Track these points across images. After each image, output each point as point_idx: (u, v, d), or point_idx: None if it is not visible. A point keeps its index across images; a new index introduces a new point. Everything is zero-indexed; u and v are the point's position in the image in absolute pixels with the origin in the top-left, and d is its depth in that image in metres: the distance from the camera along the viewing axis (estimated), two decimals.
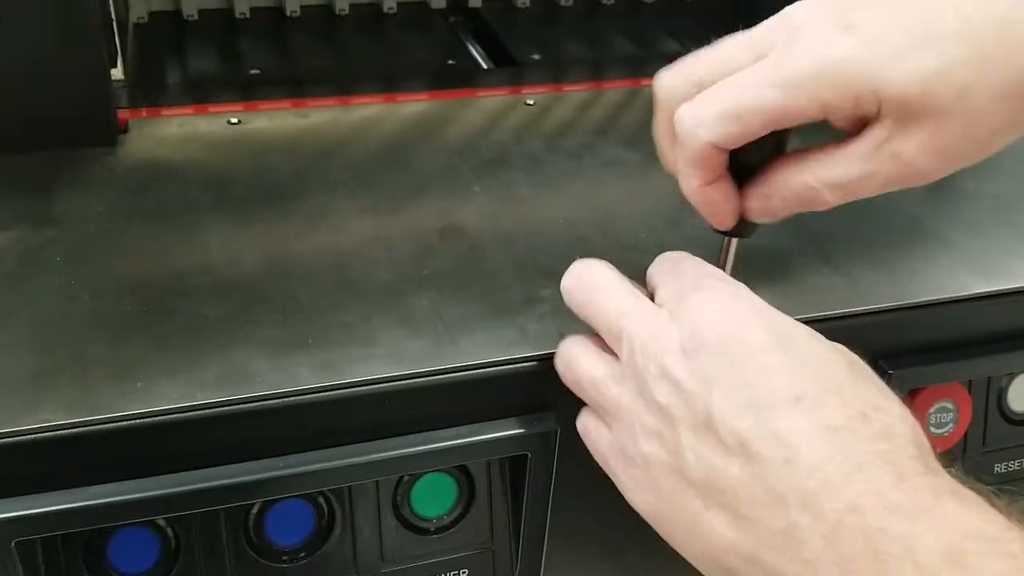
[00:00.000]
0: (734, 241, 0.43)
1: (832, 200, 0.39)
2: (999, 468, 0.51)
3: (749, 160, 0.40)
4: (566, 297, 0.40)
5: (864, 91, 0.36)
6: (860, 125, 0.38)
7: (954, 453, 0.50)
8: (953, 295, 0.46)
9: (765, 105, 0.37)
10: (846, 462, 0.31)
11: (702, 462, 0.34)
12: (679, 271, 0.39)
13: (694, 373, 0.35)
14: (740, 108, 0.37)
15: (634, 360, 0.37)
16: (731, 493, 0.33)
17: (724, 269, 0.43)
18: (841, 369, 0.35)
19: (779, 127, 0.38)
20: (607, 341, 0.39)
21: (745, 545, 0.33)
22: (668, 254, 0.41)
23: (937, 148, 0.37)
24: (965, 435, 0.50)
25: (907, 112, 0.36)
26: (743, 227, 0.42)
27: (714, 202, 0.41)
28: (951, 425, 0.49)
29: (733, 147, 0.39)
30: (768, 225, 0.50)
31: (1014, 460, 0.51)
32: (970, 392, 0.49)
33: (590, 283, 0.39)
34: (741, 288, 0.38)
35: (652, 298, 0.39)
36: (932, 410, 0.48)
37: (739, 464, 0.33)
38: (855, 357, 0.37)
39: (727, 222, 0.41)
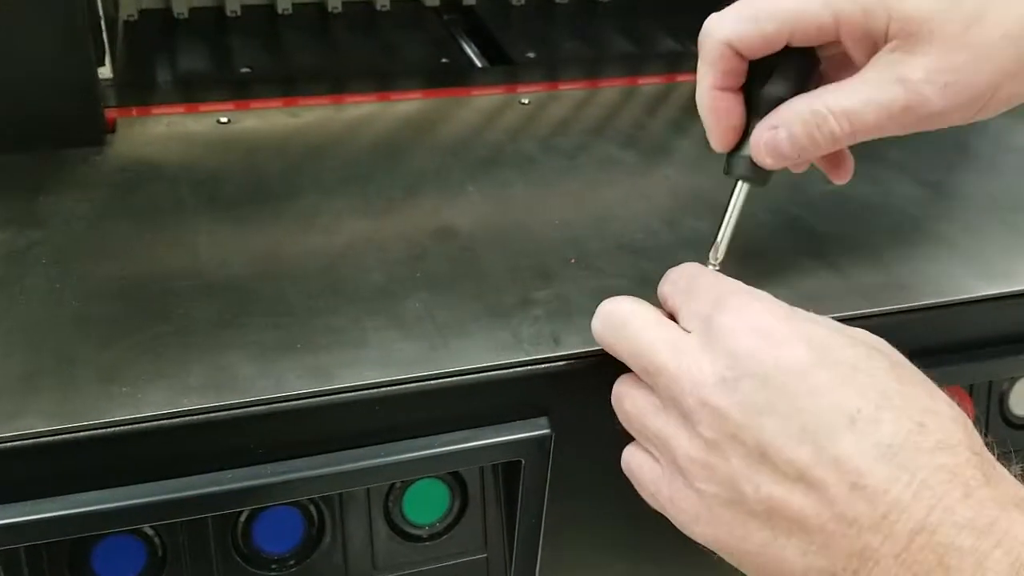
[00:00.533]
0: (743, 190, 0.42)
1: (839, 131, 0.39)
2: None
3: (771, 92, 0.40)
4: (596, 338, 0.40)
5: (876, 5, 0.37)
6: (871, 53, 0.39)
7: None
8: (954, 297, 0.46)
9: (781, 5, 0.38)
10: (912, 481, 0.31)
11: (761, 493, 0.33)
12: (696, 289, 0.38)
13: (739, 405, 0.34)
14: (757, 8, 0.39)
15: (670, 393, 0.36)
16: (799, 521, 0.33)
17: (729, 219, 0.42)
18: (887, 374, 0.34)
19: (794, 37, 0.39)
20: (642, 377, 0.38)
21: (819, 569, 0.33)
22: (680, 269, 0.40)
23: (944, 77, 0.37)
24: None
25: (914, 34, 0.37)
26: (753, 170, 0.42)
27: (720, 110, 0.41)
28: None
29: (749, 52, 0.39)
30: (768, 223, 0.49)
31: (1016, 464, 0.51)
32: (971, 396, 0.48)
33: (617, 320, 0.39)
34: (764, 298, 0.37)
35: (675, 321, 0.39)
36: None
37: (802, 492, 0.33)
38: (891, 350, 0.36)
39: (727, 139, 0.41)
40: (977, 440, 0.34)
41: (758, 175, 0.42)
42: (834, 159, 0.45)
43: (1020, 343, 0.47)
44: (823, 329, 0.35)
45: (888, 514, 0.31)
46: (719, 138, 0.42)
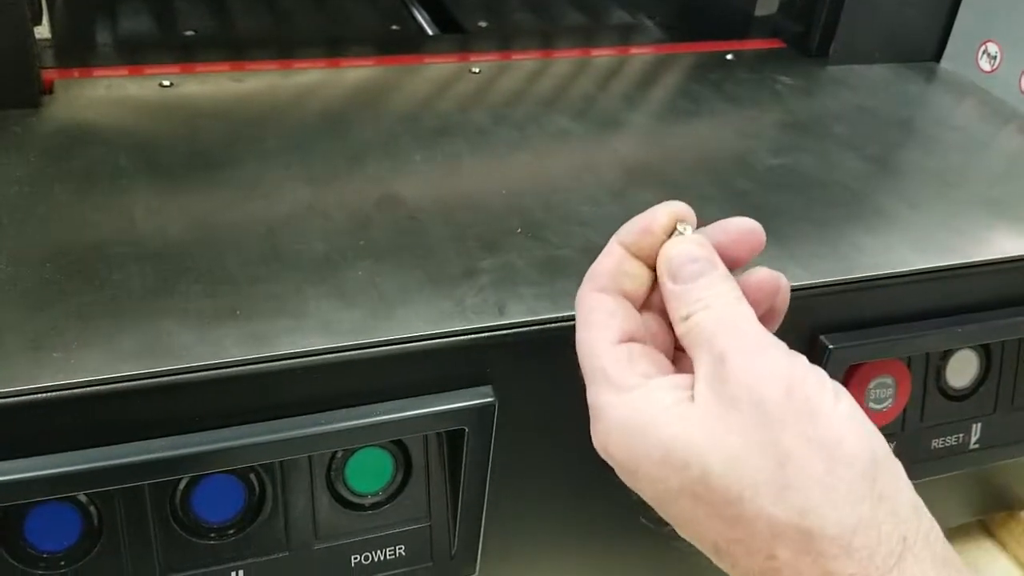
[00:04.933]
0: None
1: None
2: (936, 443, 0.52)
3: None
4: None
5: None
6: None
7: (893, 428, 0.50)
8: (893, 271, 0.46)
9: None
10: None
11: None
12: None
13: None
14: None
15: None
16: None
17: None
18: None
19: None
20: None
21: None
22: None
23: None
24: (904, 411, 0.50)
25: None
26: None
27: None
28: (890, 401, 0.49)
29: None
30: (715, 197, 0.49)
31: (951, 435, 0.52)
32: (909, 368, 0.49)
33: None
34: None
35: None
36: (871, 385, 0.48)
37: None
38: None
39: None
40: None
41: None
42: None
43: (957, 315, 0.48)
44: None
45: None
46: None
